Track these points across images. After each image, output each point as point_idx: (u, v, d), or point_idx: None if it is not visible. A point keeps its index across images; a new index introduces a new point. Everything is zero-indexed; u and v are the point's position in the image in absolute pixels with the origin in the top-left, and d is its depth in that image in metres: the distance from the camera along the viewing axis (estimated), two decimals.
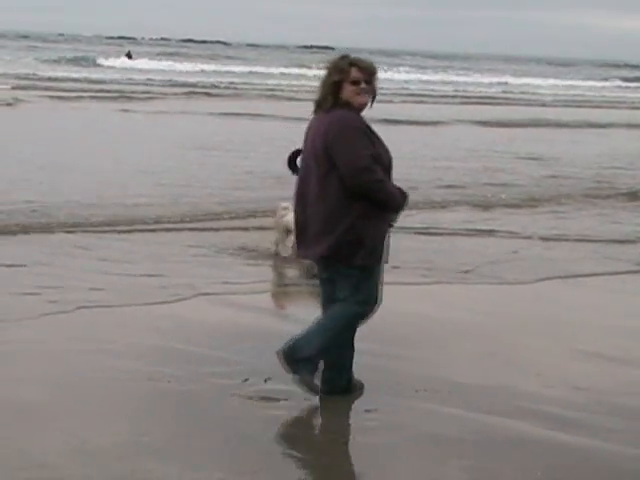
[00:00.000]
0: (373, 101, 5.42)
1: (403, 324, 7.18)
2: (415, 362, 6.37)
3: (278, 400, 5.50)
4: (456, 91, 44.53)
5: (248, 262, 9.17)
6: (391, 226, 5.43)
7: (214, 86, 37.70)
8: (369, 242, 5.27)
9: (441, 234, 11.01)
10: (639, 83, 69.22)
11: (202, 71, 50.85)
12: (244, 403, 5.46)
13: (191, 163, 15.64)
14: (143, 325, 6.95)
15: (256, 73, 50.58)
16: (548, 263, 9.74)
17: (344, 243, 5.25)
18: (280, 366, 5.37)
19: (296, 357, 5.33)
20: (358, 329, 5.53)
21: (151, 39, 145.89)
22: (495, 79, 60.32)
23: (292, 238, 7.08)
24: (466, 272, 9.13)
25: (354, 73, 5.29)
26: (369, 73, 5.35)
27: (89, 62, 52.96)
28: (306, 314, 6.13)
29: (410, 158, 16.42)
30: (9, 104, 24.73)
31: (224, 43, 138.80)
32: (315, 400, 5.50)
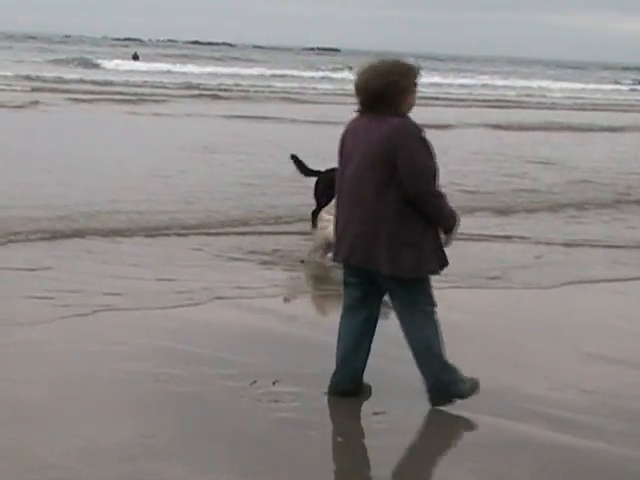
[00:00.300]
0: None
1: None
2: None
3: (286, 402, 5.51)
4: (470, 94, 44.34)
5: (263, 266, 9.16)
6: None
7: (224, 89, 37.52)
8: (427, 252, 5.22)
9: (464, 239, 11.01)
10: None
11: (209, 74, 50.46)
12: (252, 405, 5.46)
13: (209, 165, 15.64)
14: (155, 328, 6.94)
15: (264, 76, 50.13)
16: (569, 268, 9.69)
17: (405, 255, 5.17)
18: (288, 368, 5.38)
19: (451, 393, 5.42)
20: None
21: (158, 40, 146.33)
22: (502, 82, 60.01)
23: (330, 251, 7.16)
24: (493, 278, 9.08)
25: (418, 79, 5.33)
26: None
27: (97, 64, 53.21)
28: (328, 320, 6.06)
29: None
30: (31, 104, 25.23)
31: (230, 45, 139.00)
32: (323, 402, 5.52)
